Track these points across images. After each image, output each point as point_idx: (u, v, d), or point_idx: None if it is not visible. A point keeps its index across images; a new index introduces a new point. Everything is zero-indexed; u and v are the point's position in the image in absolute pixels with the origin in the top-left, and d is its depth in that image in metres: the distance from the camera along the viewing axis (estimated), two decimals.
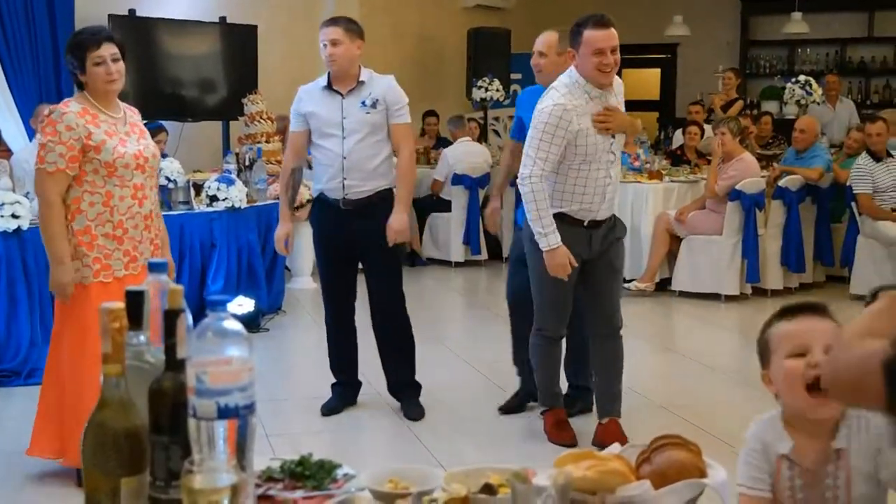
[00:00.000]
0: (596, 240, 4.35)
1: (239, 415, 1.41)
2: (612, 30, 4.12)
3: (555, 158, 4.13)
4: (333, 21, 4.74)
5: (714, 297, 7.76)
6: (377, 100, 4.67)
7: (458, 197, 9.28)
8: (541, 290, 4.37)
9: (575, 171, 4.21)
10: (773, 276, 8.03)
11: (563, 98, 4.13)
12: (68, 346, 3.78)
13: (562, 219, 4.23)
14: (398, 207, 4.74)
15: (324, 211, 4.82)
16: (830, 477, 1.89)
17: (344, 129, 4.66)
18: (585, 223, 4.31)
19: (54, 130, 3.70)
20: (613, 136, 4.25)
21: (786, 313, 1.99)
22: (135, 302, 1.55)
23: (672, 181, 8.43)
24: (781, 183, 8.03)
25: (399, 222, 4.72)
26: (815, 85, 9.99)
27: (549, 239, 4.14)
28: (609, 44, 4.08)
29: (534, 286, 4.40)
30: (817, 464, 1.91)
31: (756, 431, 2.04)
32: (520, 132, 4.72)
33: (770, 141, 9.97)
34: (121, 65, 3.80)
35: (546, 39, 4.86)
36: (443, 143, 10.11)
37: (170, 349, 1.49)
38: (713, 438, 4.46)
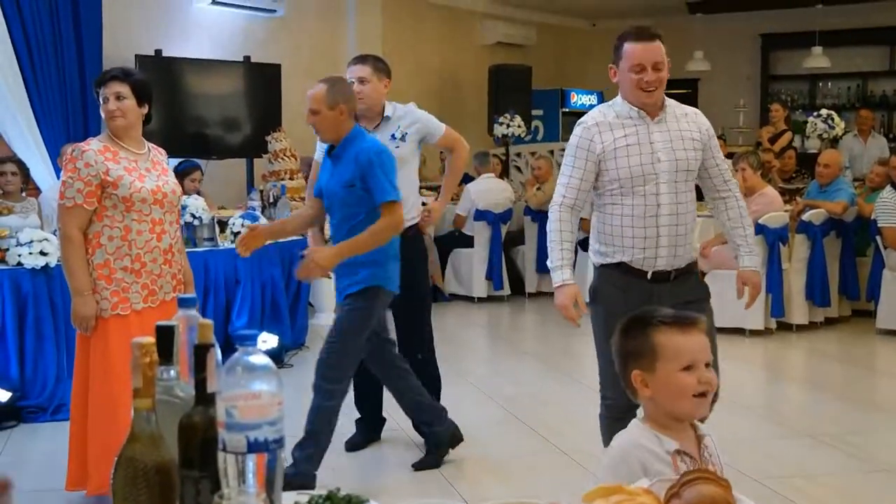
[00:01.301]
0: (662, 297, 3.48)
1: (268, 449, 1.42)
2: (657, 42, 3.65)
3: (578, 184, 3.62)
4: (362, 59, 4.79)
5: (738, 331, 7.71)
6: (406, 133, 4.72)
7: (480, 233, 9.30)
8: (601, 350, 3.67)
9: (611, 205, 3.65)
10: (798, 310, 7.98)
11: (592, 117, 3.68)
12: (90, 379, 3.84)
13: (620, 269, 3.65)
14: (442, 195, 5.11)
15: None
16: (707, 461, 2.12)
17: None
18: (649, 275, 3.64)
19: (74, 167, 3.80)
20: (659, 159, 3.58)
21: (675, 324, 2.13)
22: (165, 337, 1.57)
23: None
24: (805, 217, 8.00)
25: (437, 205, 5.01)
26: (837, 119, 9.98)
27: (556, 274, 3.63)
28: (650, 58, 3.59)
29: (596, 346, 3.76)
30: (696, 452, 2.13)
31: (632, 441, 2.14)
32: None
33: (793, 175, 9.95)
34: (126, 103, 3.86)
35: (313, 95, 4.17)
36: (465, 178, 10.14)
37: (200, 383, 1.50)
38: (740, 474, 4.42)
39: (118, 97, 3.85)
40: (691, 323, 2.15)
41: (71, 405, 4.02)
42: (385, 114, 4.74)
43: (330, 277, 4.92)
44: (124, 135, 3.91)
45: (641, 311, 2.23)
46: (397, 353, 4.63)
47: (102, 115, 3.89)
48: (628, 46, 3.66)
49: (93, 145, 3.86)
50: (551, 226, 3.68)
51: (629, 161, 3.57)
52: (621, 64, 3.68)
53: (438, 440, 4.70)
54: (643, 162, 3.57)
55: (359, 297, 4.18)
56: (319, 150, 4.80)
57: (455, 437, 4.73)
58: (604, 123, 3.63)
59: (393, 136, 4.71)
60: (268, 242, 4.87)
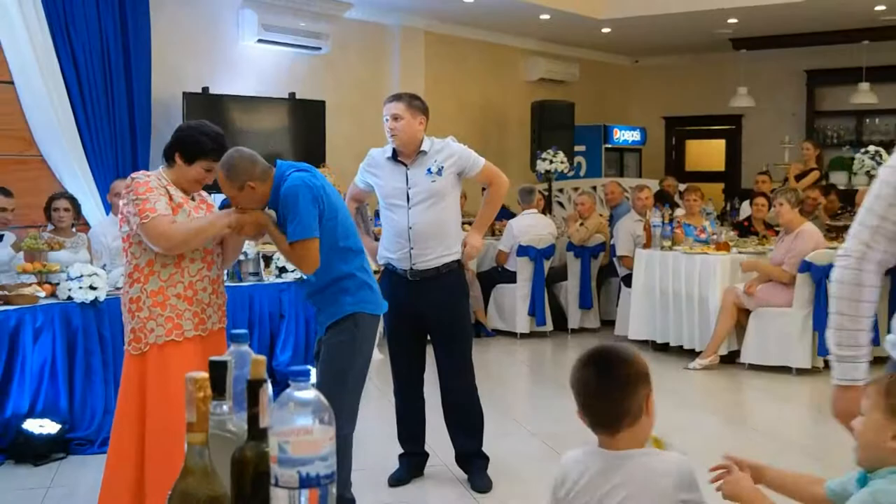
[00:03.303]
0: None
1: (320, 484, 1.44)
2: None
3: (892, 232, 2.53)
4: (397, 97, 4.82)
5: (785, 370, 7.63)
6: (442, 167, 4.74)
7: (522, 268, 9.29)
8: None
9: None
10: None
11: None
12: (148, 407, 3.78)
13: None
14: (475, 226, 5.02)
15: (392, 281, 4.87)
16: None
17: (409, 198, 4.73)
18: None
19: (149, 187, 3.79)
20: None
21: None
22: (218, 372, 1.59)
23: (740, 252, 8.36)
24: None
25: (475, 239, 4.91)
26: (885, 155, 9.88)
27: (845, 367, 2.57)
28: None
29: None
30: None
31: (581, 462, 2.19)
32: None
33: (839, 212, 9.86)
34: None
35: (220, 181, 3.97)
36: (507, 214, 10.16)
37: (252, 419, 1.52)
38: None
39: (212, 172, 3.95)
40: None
41: (114, 439, 3.88)
42: (422, 148, 4.77)
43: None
44: (182, 188, 3.98)
45: None
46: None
47: (186, 173, 3.89)
48: None
49: (150, 174, 3.90)
50: (845, 289, 2.64)
51: None
52: None
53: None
54: None
55: (339, 327, 4.10)
56: (361, 170, 4.92)
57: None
58: None
59: (429, 170, 4.74)
60: None
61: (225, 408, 1.60)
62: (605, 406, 2.12)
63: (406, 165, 4.75)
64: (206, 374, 1.55)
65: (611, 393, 2.11)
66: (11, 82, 7.49)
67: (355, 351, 4.10)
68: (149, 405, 3.79)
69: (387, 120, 4.73)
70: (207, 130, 3.97)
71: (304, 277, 4.22)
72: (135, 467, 3.79)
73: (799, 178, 10.66)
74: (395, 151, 4.77)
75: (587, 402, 2.14)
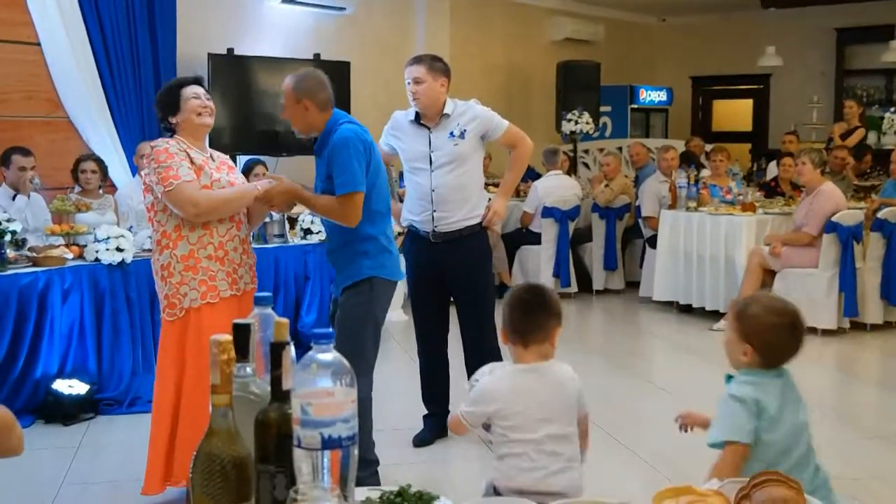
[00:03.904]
0: None
1: (342, 445, 1.45)
2: None
3: None
4: (417, 59, 4.78)
5: (811, 331, 7.59)
6: (465, 130, 4.72)
7: (547, 229, 9.27)
8: None
9: None
10: (873, 309, 7.82)
11: None
12: (186, 369, 3.83)
13: None
14: (500, 191, 4.95)
15: (415, 243, 4.88)
16: None
17: (432, 162, 4.72)
18: None
19: (168, 153, 3.80)
20: None
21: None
22: (242, 335, 1.61)
23: (766, 213, 8.30)
24: (881, 215, 7.83)
25: (499, 204, 4.85)
26: None
27: None
28: None
29: None
30: None
31: (503, 380, 2.75)
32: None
33: (867, 171, 9.75)
34: (211, 103, 3.98)
35: (283, 88, 4.11)
36: (533, 174, 10.12)
37: (276, 381, 1.54)
38: None
39: (208, 97, 3.96)
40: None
41: (155, 404, 3.94)
42: (445, 111, 4.75)
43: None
44: (202, 136, 3.98)
45: None
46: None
47: (191, 112, 3.89)
48: None
49: (169, 140, 3.90)
50: None
51: None
52: None
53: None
54: None
55: (356, 289, 4.12)
56: (385, 133, 4.89)
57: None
58: None
59: (451, 133, 4.72)
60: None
61: (248, 370, 1.62)
62: (528, 319, 2.69)
63: (429, 128, 4.74)
64: (229, 337, 1.57)
65: (535, 311, 2.70)
66: (38, 44, 7.51)
67: (369, 314, 4.12)
68: (188, 368, 3.83)
69: (408, 83, 4.70)
70: (171, 82, 4.05)
71: (329, 234, 4.23)
72: (172, 431, 3.87)
73: (844, 136, 10.53)
74: (417, 114, 4.76)
75: (514, 317, 2.71)
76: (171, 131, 3.97)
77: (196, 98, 3.92)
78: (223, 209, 3.85)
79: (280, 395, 1.53)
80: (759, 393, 2.58)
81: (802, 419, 2.70)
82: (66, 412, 5.36)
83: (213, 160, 3.98)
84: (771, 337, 2.62)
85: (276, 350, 1.54)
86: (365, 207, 3.98)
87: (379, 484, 4.04)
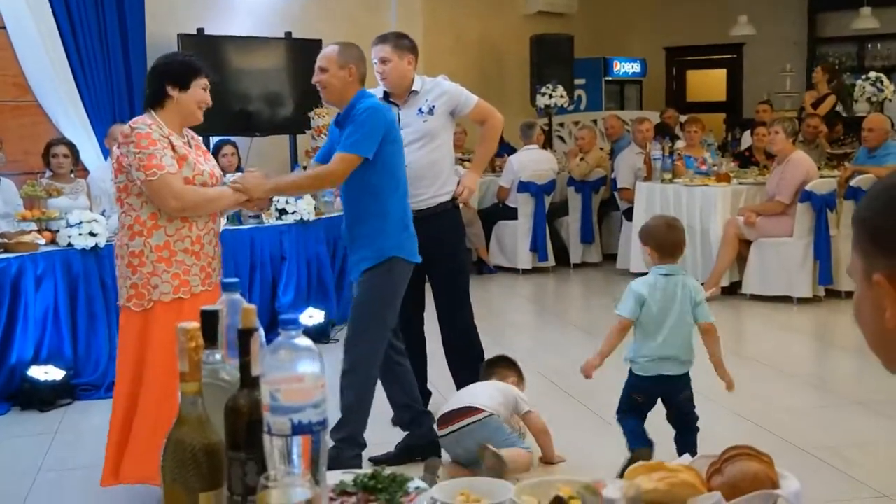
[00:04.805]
0: None
1: (312, 431, 1.45)
2: None
3: None
4: (382, 38, 4.76)
5: (786, 299, 7.65)
6: (433, 105, 4.71)
7: (524, 204, 9.28)
8: None
9: None
10: (847, 277, 7.84)
11: None
12: (147, 366, 3.72)
13: None
14: (472, 166, 4.98)
15: None
16: None
17: (402, 139, 4.70)
18: None
19: (151, 139, 3.64)
20: None
21: None
22: (210, 321, 1.60)
23: (741, 183, 8.33)
24: (854, 182, 7.88)
25: (470, 179, 4.86)
26: (886, 81, 9.78)
27: None
28: None
29: None
30: None
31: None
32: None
33: (840, 139, 9.80)
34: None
35: (324, 54, 4.28)
36: (507, 149, 10.11)
37: (244, 367, 1.53)
38: (788, 445, 4.40)
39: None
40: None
41: (116, 395, 3.86)
42: (413, 88, 4.73)
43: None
44: (185, 126, 3.88)
45: None
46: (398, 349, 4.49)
47: (196, 102, 3.80)
48: None
49: (149, 122, 3.72)
50: None
51: None
52: None
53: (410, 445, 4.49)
54: None
55: (375, 271, 4.13)
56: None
57: (429, 448, 4.38)
58: None
59: (420, 110, 4.71)
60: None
61: (217, 356, 1.61)
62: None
63: (398, 106, 4.72)
64: (197, 325, 1.55)
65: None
66: (3, 27, 7.42)
67: (386, 295, 4.16)
68: (150, 366, 3.71)
69: (375, 63, 4.69)
70: (186, 55, 3.97)
71: (342, 196, 4.28)
72: (126, 424, 3.77)
73: (815, 105, 10.57)
74: (386, 93, 4.74)
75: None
76: (152, 105, 3.78)
77: (206, 91, 3.84)
78: (206, 207, 3.80)
79: (249, 382, 1.52)
80: (644, 288, 3.95)
81: (678, 308, 3.97)
82: (42, 398, 5.35)
83: (191, 146, 3.88)
84: (657, 233, 3.98)
85: (245, 337, 1.53)
86: (392, 175, 4.07)
87: (360, 468, 4.05)
